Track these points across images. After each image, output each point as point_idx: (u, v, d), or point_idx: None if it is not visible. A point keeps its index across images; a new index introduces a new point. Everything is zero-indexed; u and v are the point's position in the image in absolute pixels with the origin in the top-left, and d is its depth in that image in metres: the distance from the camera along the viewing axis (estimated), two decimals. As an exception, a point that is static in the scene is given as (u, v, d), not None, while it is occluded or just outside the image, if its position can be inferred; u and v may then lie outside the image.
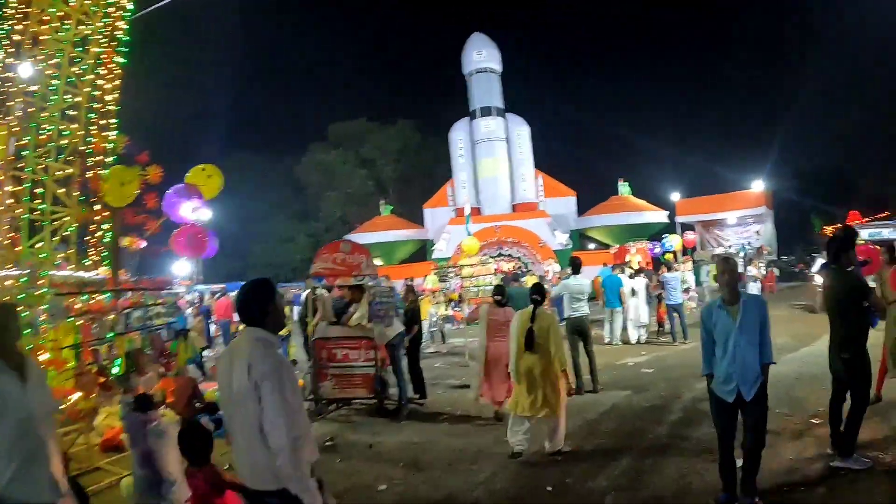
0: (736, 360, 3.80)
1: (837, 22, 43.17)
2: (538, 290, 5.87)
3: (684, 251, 19.29)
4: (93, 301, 6.56)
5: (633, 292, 12.13)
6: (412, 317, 8.28)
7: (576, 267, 8.77)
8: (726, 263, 4.01)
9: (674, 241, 18.58)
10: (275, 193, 44.92)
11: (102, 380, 6.33)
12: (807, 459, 4.81)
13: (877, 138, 37.63)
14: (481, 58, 27.57)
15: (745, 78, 56.65)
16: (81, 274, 8.04)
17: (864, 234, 14.83)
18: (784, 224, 30.72)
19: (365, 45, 63.55)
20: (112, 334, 6.49)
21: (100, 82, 8.50)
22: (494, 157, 26.87)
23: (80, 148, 7.85)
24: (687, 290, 12.94)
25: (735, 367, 3.81)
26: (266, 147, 57.67)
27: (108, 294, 6.72)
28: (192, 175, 6.87)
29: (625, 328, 12.21)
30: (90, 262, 8.38)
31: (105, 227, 7.73)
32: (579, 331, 8.27)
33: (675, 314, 11.50)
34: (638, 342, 11.92)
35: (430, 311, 13.78)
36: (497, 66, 27.94)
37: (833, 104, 44.26)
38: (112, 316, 6.37)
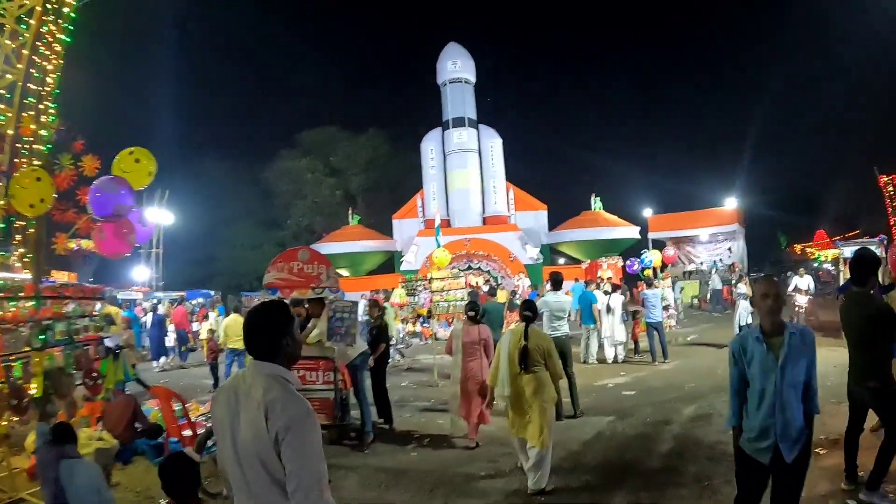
0: (776, 410, 2.95)
1: (807, 42, 44.28)
2: (529, 307, 5.32)
3: (663, 267, 18.96)
4: (12, 309, 5.69)
5: (609, 309, 11.65)
6: (378, 334, 7.54)
7: (556, 283, 8.12)
8: (770, 285, 3.07)
9: (653, 257, 18.20)
10: (242, 200, 43.78)
11: (15, 402, 5.46)
12: (821, 496, 4.28)
13: (842, 156, 38.59)
14: (456, 68, 27.17)
15: (717, 95, 57.12)
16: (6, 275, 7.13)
17: (846, 251, 14.65)
18: (752, 241, 30.90)
19: (339, 53, 62.54)
20: (31, 348, 5.61)
21: (42, 62, 7.58)
22: (466, 168, 26.39)
23: (9, 132, 6.90)
24: (667, 308, 12.51)
25: (775, 419, 2.95)
26: (236, 152, 56.39)
27: (35, 301, 5.87)
28: (119, 160, 5.93)
29: (601, 346, 11.72)
30: (19, 263, 7.45)
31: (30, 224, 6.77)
32: (560, 351, 7.67)
33: (654, 332, 11.03)
34: (615, 361, 11.41)
35: (398, 328, 13.08)
36: (471, 76, 27.58)
37: (799, 122, 45.50)
38: (29, 327, 5.47)
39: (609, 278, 22.62)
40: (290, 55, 65.27)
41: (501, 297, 16.91)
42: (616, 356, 11.52)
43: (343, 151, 41.28)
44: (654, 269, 17.49)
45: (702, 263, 29.11)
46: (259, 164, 42.33)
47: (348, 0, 62.84)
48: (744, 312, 11.35)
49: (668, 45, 64.58)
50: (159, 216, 26.47)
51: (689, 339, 14.03)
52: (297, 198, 41.22)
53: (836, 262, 17.86)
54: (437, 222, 17.31)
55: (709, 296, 24.10)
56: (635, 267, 18.96)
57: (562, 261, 31.73)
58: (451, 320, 11.56)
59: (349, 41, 64.99)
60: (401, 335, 13.06)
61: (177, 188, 44.04)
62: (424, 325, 15.16)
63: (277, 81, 61.78)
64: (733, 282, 20.45)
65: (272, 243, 41.55)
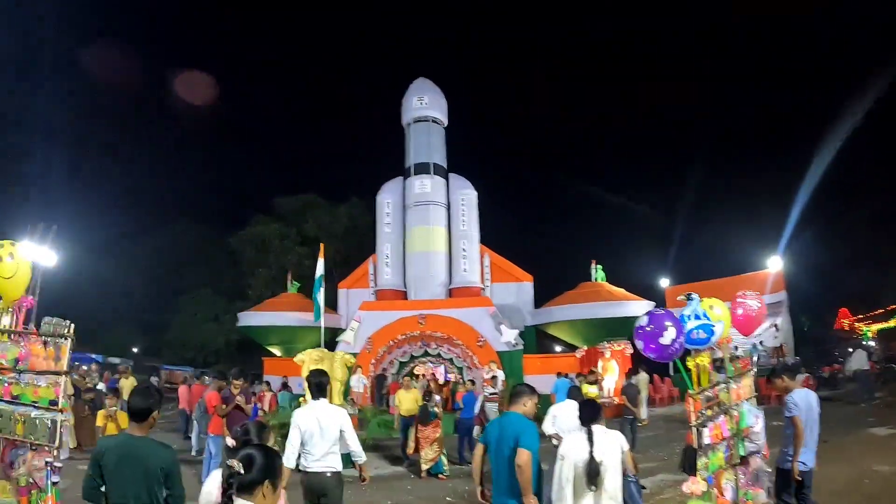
0: None
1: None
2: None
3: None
4: None
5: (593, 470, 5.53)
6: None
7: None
8: None
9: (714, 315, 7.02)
10: (207, 267, 41.03)
11: None
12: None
13: (861, 231, 34.51)
14: (422, 105, 22.23)
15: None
16: None
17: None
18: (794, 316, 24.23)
19: (325, 118, 59.49)
20: None
21: None
22: (429, 225, 20.80)
23: None
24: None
25: None
26: (210, 217, 53.24)
27: None
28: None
29: None
30: None
31: None
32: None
33: None
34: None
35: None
36: (441, 116, 22.58)
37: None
38: None
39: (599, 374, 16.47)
40: (275, 119, 62.63)
41: (410, 397, 11.11)
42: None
43: (319, 220, 37.37)
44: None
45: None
46: (234, 230, 39.12)
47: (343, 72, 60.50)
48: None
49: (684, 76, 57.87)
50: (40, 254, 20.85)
51: None
52: (262, 266, 36.65)
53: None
54: (320, 271, 11.45)
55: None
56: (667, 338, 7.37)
57: (558, 348, 25.43)
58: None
59: (336, 106, 62.14)
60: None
61: (141, 257, 40.97)
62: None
63: (262, 145, 58.85)
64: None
65: (234, 313, 37.13)
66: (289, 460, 4.59)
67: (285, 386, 16.66)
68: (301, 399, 10.94)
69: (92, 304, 38.92)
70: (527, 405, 4.31)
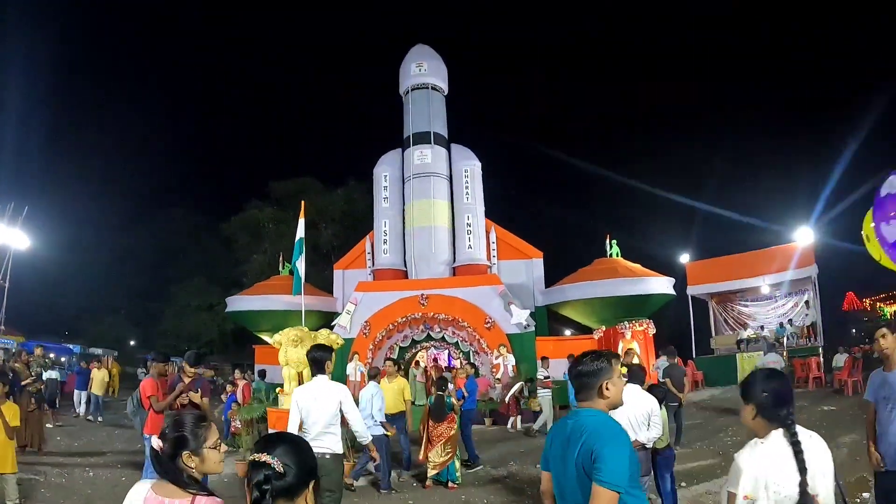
0: None
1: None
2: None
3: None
4: None
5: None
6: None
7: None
8: None
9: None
10: (200, 254, 40.23)
11: None
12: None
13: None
14: (421, 71, 20.52)
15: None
16: None
17: None
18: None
19: (327, 101, 57.58)
20: None
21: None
22: (430, 199, 19.13)
23: None
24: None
25: None
26: (203, 204, 52.41)
27: None
28: None
29: None
30: None
31: None
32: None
33: None
34: None
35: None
36: (441, 83, 20.87)
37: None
38: None
39: (633, 352, 14.89)
40: (277, 103, 60.81)
41: (394, 389, 8.86)
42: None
43: (315, 203, 35.90)
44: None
45: (761, 328, 20.93)
46: (224, 218, 37.70)
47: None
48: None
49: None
50: (10, 237, 19.26)
51: None
52: (256, 252, 35.27)
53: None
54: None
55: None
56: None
57: (567, 332, 23.81)
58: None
59: (334, 91, 60.20)
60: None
61: (134, 246, 39.68)
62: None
63: (260, 130, 57.07)
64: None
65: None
66: None
67: (262, 375, 15.09)
68: (278, 390, 9.33)
69: (81, 295, 37.83)
70: (610, 390, 2.40)
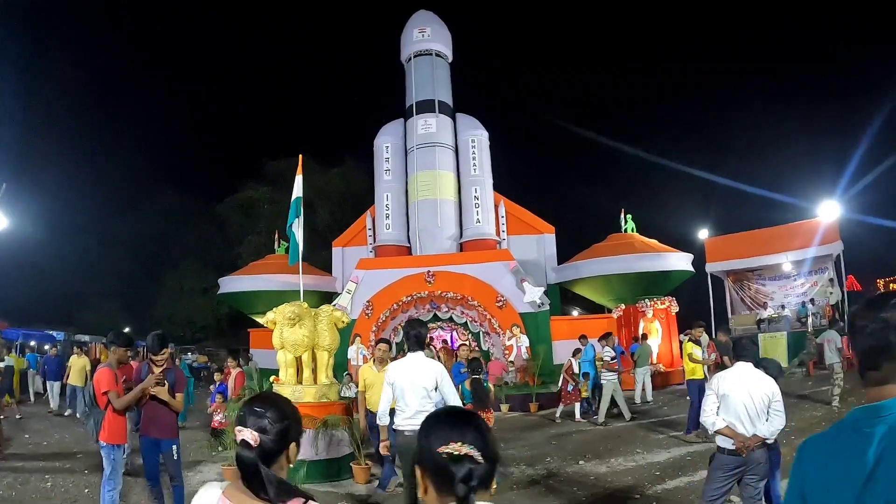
0: None
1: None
2: None
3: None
4: None
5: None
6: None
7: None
8: None
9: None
10: (193, 237, 38.38)
11: None
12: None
13: None
14: (424, 37, 19.26)
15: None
16: None
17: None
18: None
19: (326, 79, 55.91)
20: None
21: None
22: (435, 170, 17.97)
23: None
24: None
25: None
26: (196, 185, 51.12)
27: None
28: None
29: None
30: None
31: None
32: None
33: None
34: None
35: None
36: (446, 49, 19.64)
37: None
38: None
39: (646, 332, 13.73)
40: (271, 80, 59.16)
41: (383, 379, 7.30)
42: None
43: (311, 183, 34.62)
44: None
45: (782, 307, 19.86)
46: (218, 199, 36.50)
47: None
48: None
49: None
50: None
51: None
52: (251, 232, 34.02)
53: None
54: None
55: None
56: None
57: (575, 312, 22.72)
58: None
59: (330, 63, 58.52)
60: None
61: (125, 229, 38.38)
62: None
63: (250, 107, 55.50)
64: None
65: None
66: (381, 418, 4.52)
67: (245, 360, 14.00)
68: (273, 378, 8.14)
69: (72, 281, 36.56)
70: None
